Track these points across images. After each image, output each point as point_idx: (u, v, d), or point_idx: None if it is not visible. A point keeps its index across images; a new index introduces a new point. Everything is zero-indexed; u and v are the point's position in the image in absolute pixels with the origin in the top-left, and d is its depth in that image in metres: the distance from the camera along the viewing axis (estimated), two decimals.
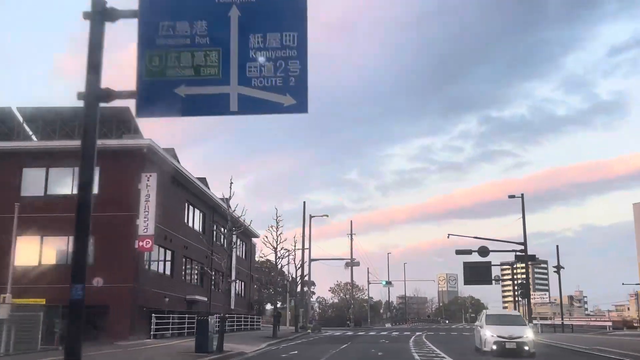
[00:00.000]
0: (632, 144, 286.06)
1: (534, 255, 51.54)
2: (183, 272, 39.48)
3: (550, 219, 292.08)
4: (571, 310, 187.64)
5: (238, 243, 53.07)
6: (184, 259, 38.77)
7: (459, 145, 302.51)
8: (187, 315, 37.58)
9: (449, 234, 54.04)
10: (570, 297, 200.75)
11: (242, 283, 55.17)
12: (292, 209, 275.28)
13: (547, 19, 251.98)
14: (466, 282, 69.74)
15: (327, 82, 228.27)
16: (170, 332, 34.81)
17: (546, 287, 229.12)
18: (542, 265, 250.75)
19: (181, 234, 37.35)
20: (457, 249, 54.19)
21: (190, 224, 40.96)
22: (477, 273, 68.08)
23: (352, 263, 64.28)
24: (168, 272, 36.84)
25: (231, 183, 24.51)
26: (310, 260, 55.68)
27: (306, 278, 54.85)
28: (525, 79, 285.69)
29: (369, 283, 76.57)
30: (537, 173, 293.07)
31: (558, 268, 62.34)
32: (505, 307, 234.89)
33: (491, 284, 67.96)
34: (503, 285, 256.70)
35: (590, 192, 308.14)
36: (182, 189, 38.13)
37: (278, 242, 39.11)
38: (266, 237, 40.18)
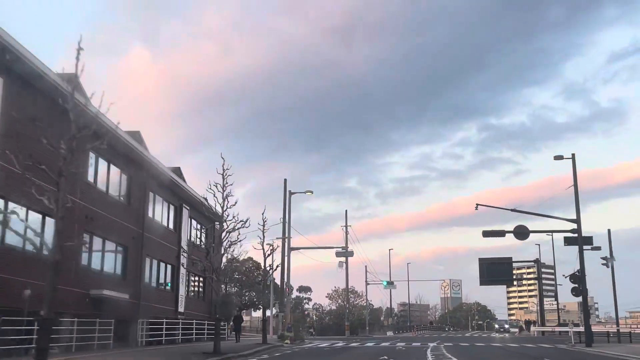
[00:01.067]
0: (632, 151, 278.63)
1: (591, 237, 37.83)
2: (87, 255, 26.04)
3: (551, 226, 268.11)
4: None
5: (192, 223, 39.71)
6: (87, 235, 25.23)
7: (458, 153, 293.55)
8: (97, 320, 24.41)
9: (477, 205, 40.07)
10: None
11: (200, 279, 41.59)
12: (292, 217, 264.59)
13: (547, 26, 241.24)
14: (483, 282, 56.89)
15: (326, 89, 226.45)
16: (58, 344, 21.42)
17: (553, 293, 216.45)
18: (549, 270, 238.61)
19: (79, 196, 23.67)
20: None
21: (102, 184, 27.55)
22: (496, 271, 55.21)
23: (345, 253, 50.76)
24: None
25: (79, 49, 11.29)
26: (290, 247, 42.18)
27: (279, 270, 41.02)
28: (525, 86, 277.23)
29: (367, 284, 63.17)
30: (538, 180, 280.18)
31: (609, 261, 48.39)
32: (512, 315, 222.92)
33: (512, 284, 55.28)
34: (508, 292, 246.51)
35: (591, 199, 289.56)
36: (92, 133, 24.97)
37: (225, 206, 25.48)
38: (205, 198, 26.46)
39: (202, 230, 41.24)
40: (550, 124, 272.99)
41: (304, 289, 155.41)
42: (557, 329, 60.39)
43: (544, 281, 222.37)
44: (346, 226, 58.72)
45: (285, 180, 42.63)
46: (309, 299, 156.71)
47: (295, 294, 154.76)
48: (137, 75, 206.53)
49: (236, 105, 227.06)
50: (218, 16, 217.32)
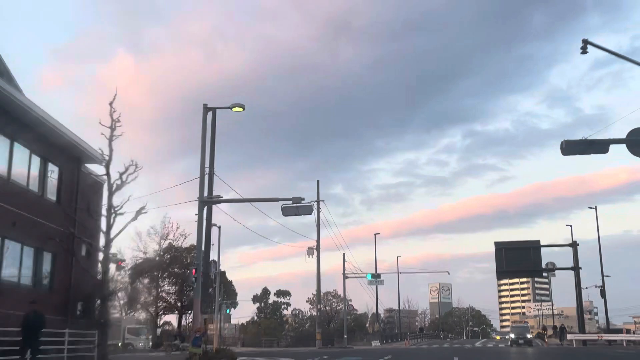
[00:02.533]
0: (616, 158, 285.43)
1: None
2: None
3: (535, 233, 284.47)
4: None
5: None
6: None
7: (443, 160, 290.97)
8: None
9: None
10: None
11: (52, 255, 24.82)
12: (276, 225, 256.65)
13: (531, 33, 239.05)
14: (501, 275, 41.92)
15: (311, 95, 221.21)
16: None
17: (548, 299, 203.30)
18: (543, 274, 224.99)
19: None
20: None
21: None
22: (519, 259, 40.20)
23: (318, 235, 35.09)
24: None
25: None
26: (207, 197, 25.57)
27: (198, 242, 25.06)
28: (509, 93, 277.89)
29: (344, 277, 46.79)
30: (522, 187, 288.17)
31: None
32: (505, 321, 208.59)
33: (540, 274, 40.42)
34: (501, 297, 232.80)
35: (575, 206, 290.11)
36: None
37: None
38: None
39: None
40: (535, 131, 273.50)
41: (282, 293, 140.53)
42: (607, 336, 45.02)
43: (537, 285, 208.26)
44: (318, 201, 43.28)
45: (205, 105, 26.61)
46: (288, 304, 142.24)
47: (272, 298, 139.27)
48: (120, 81, 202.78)
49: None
50: (202, 22, 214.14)
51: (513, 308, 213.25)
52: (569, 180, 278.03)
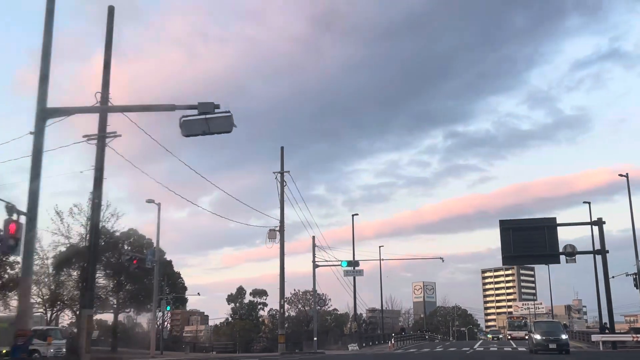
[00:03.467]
0: (596, 158, 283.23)
1: None
2: None
3: None
4: (571, 321, 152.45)
5: None
6: None
7: (425, 160, 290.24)
8: None
9: None
10: (568, 307, 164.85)
11: None
12: (260, 225, 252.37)
13: (512, 34, 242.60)
14: (508, 260, 33.38)
15: (293, 96, 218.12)
16: None
17: (533, 297, 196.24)
18: (529, 272, 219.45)
19: None
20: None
21: None
22: (530, 241, 31.63)
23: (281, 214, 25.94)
24: None
25: None
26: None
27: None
28: (490, 94, 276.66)
29: (314, 265, 37.27)
30: (503, 188, 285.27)
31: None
32: (491, 320, 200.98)
33: (557, 260, 31.94)
34: (486, 296, 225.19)
35: (556, 206, 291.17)
36: None
37: None
38: None
39: None
40: (515, 132, 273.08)
41: (259, 292, 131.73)
42: None
43: (523, 282, 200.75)
44: (282, 172, 34.37)
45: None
46: (264, 305, 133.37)
47: (248, 298, 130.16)
48: (99, 82, 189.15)
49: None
50: (183, 22, 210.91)
51: (499, 307, 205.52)
52: (549, 181, 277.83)
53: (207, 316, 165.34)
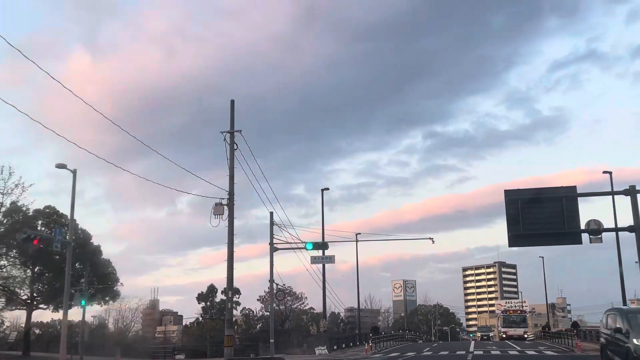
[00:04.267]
0: (573, 159, 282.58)
1: None
2: None
3: (495, 233, 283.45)
4: (555, 320, 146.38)
5: None
6: None
7: (404, 160, 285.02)
8: None
9: None
10: (552, 305, 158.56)
11: None
12: (238, 225, 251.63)
13: (491, 35, 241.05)
14: (515, 241, 25.57)
15: (273, 95, 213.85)
16: None
17: (515, 295, 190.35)
18: (510, 269, 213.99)
19: None
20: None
21: None
22: (544, 216, 24.24)
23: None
24: None
25: None
26: None
27: None
28: (469, 94, 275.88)
29: (271, 248, 29.44)
30: (481, 188, 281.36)
31: None
32: (472, 320, 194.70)
33: (578, 240, 24.88)
34: (466, 294, 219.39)
35: None
36: None
37: None
38: None
39: None
40: (494, 132, 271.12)
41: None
42: None
43: (504, 279, 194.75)
44: (232, 132, 26.84)
45: None
46: (237, 303, 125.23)
47: (220, 297, 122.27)
48: (77, 79, 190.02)
49: (180, 110, 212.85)
50: (161, 20, 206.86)
51: (480, 307, 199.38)
52: (527, 181, 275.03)
53: (181, 316, 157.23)
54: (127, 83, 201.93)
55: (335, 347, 38.13)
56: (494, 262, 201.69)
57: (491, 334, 78.62)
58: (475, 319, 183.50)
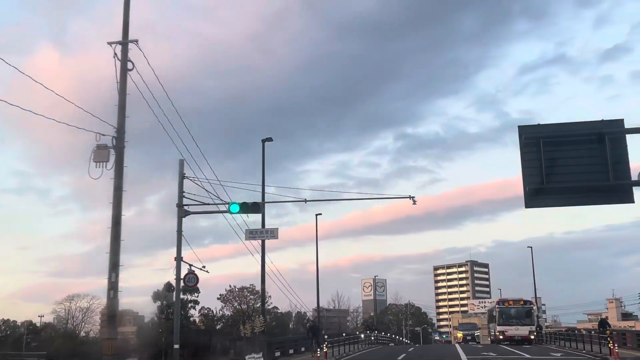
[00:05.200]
0: None
1: None
2: None
3: (464, 235, 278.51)
4: None
5: None
6: None
7: (375, 161, 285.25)
8: None
9: None
10: None
11: None
12: (208, 225, 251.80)
13: (461, 38, 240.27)
14: (534, 197, 17.48)
15: (244, 94, 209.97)
16: None
17: (487, 294, 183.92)
18: (483, 269, 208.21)
19: None
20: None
21: None
22: (578, 163, 15.99)
23: None
24: None
25: None
26: None
27: None
28: (440, 96, 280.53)
29: (180, 211, 20.97)
30: (450, 190, 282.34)
31: None
32: (443, 320, 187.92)
33: (629, 198, 17.05)
34: (437, 294, 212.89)
35: (502, 209, 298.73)
36: None
37: None
38: None
39: None
40: (463, 134, 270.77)
41: (190, 289, 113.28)
42: None
43: (476, 278, 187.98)
44: (124, 43, 18.16)
45: None
46: (196, 302, 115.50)
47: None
48: (45, 76, 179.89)
49: (148, 109, 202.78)
50: (130, 16, 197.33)
51: (451, 307, 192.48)
52: (496, 184, 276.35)
53: (143, 317, 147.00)
54: (95, 80, 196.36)
55: (277, 354, 29.19)
56: (466, 261, 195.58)
57: (476, 333, 66.85)
58: (447, 319, 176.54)
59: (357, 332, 48.89)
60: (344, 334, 42.87)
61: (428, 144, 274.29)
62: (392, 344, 52.65)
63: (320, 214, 41.18)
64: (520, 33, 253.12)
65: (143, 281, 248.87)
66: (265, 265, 31.31)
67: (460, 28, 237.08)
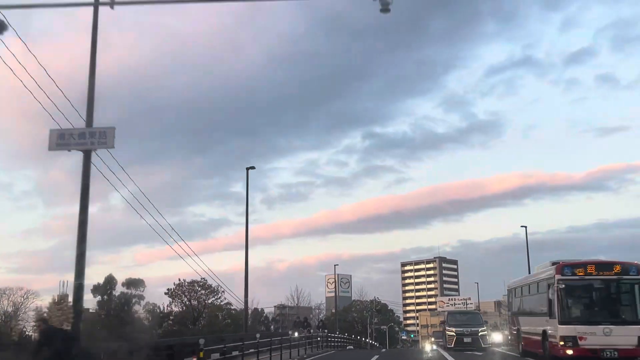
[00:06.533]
0: (506, 163, 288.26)
1: None
2: None
3: (431, 234, 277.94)
4: (503, 320, 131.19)
5: None
6: None
7: (343, 160, 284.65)
8: None
9: None
10: (498, 303, 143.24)
11: None
12: (173, 222, 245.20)
13: (430, 38, 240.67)
14: None
15: (211, 90, 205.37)
16: None
17: (456, 292, 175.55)
18: (452, 265, 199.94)
19: None
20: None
21: None
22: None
23: None
24: None
25: None
26: None
27: None
28: (408, 96, 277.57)
29: None
30: (418, 189, 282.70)
31: None
32: (410, 319, 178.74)
33: None
34: (405, 291, 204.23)
35: (468, 209, 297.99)
36: None
37: None
38: None
39: None
40: (431, 134, 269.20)
41: (134, 283, 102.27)
42: None
43: (445, 275, 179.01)
44: None
45: None
46: (141, 297, 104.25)
47: (119, 289, 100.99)
48: (6, 68, 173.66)
49: (112, 103, 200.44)
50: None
51: (419, 304, 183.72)
52: (462, 184, 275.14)
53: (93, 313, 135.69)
54: (60, 72, 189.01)
55: None
56: (435, 257, 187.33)
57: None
58: (414, 317, 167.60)
59: (290, 332, 37.23)
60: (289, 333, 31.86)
61: (396, 144, 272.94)
62: (352, 347, 40.86)
63: (253, 167, 31.73)
64: (489, 35, 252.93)
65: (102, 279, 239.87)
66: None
67: (430, 28, 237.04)
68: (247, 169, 31.05)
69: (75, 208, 16.24)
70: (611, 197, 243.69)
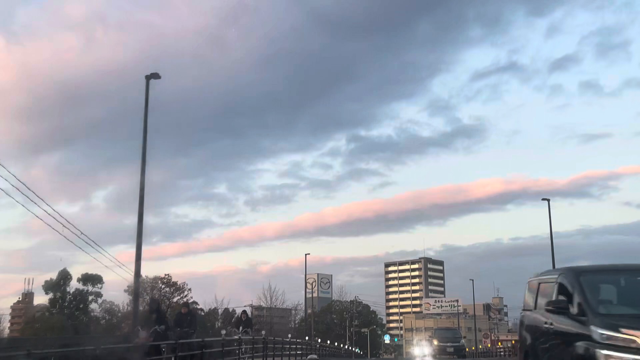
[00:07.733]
0: (490, 168, 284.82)
1: None
2: None
3: (414, 238, 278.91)
4: (495, 324, 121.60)
5: None
6: None
7: (328, 163, 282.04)
8: None
9: None
10: (487, 306, 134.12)
11: None
12: (156, 223, 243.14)
13: (416, 42, 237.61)
14: None
15: (196, 90, 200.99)
16: None
17: (441, 294, 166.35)
18: (437, 266, 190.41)
19: None
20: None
21: None
22: None
23: None
24: None
25: None
26: None
27: None
28: (393, 100, 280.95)
29: None
30: (402, 193, 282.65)
31: None
32: (393, 322, 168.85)
33: None
34: (388, 293, 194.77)
35: (452, 213, 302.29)
36: None
37: None
38: None
39: None
40: (416, 138, 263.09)
41: (90, 278, 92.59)
42: None
43: (429, 279, 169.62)
44: None
45: None
46: (99, 295, 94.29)
47: (75, 285, 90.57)
48: None
49: (97, 102, 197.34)
50: (81, 5, 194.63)
51: (402, 307, 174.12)
52: (446, 189, 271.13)
53: (33, 313, 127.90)
54: (43, 70, 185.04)
55: None
56: (420, 258, 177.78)
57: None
58: (398, 320, 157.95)
59: (222, 332, 27.00)
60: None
61: (380, 147, 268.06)
62: (315, 357, 30.01)
63: (158, 76, 23.13)
64: (474, 39, 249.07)
65: None
66: None
67: (415, 32, 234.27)
68: (147, 77, 24.59)
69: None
70: (594, 203, 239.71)
